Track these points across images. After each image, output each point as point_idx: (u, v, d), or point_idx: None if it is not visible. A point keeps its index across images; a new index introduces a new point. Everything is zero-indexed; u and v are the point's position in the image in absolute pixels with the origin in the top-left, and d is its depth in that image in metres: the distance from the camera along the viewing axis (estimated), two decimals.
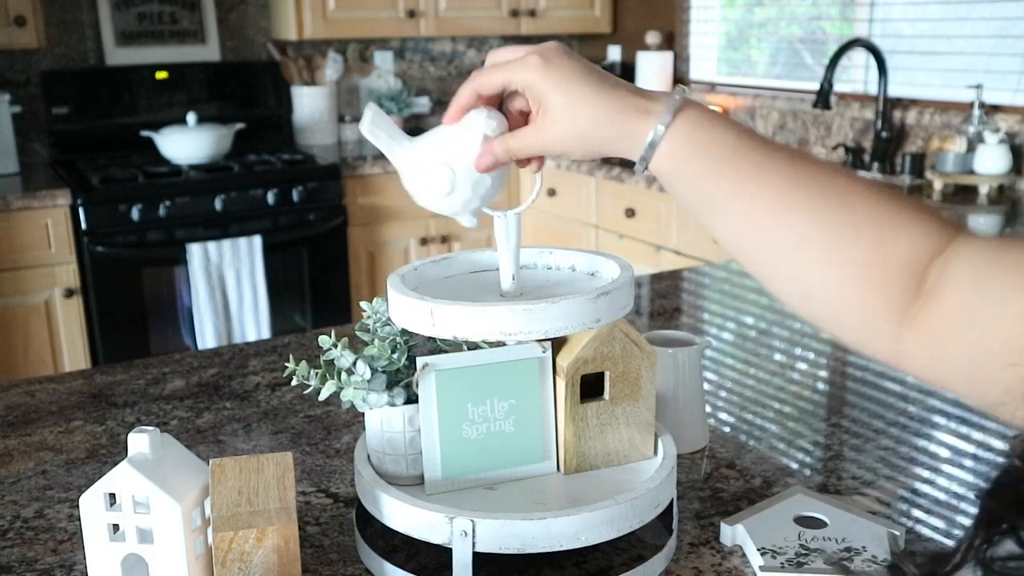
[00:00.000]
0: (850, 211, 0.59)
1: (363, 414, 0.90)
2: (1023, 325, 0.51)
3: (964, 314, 0.54)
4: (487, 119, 0.71)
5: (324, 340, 0.85)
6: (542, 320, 0.79)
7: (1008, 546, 0.46)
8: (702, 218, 0.65)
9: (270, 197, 3.15)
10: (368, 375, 0.84)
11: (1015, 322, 0.51)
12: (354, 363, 0.85)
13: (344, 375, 0.85)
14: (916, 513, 0.95)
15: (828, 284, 0.60)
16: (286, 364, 0.87)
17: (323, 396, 0.85)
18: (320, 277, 3.30)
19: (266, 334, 3.16)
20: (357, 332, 0.89)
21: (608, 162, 3.23)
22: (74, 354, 2.99)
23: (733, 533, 0.89)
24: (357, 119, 3.91)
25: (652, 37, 3.68)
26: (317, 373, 0.86)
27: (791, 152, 0.63)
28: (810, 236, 0.60)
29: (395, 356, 0.87)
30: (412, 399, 0.87)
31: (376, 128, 0.73)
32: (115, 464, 0.78)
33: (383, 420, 0.87)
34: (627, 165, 3.20)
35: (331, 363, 0.86)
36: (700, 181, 0.63)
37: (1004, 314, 0.52)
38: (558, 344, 0.87)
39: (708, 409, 1.20)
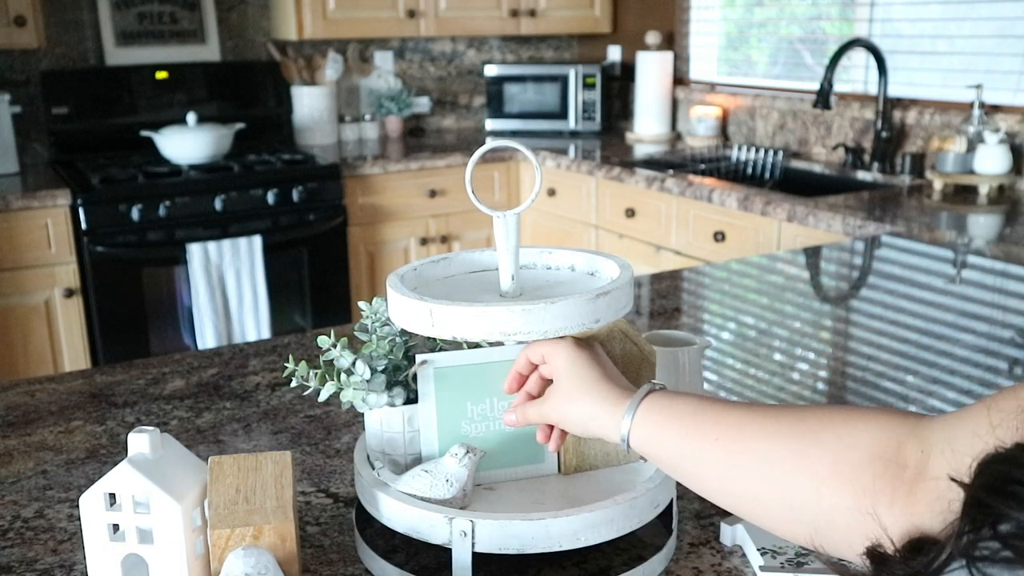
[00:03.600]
0: (804, 424, 0.65)
1: (363, 414, 0.90)
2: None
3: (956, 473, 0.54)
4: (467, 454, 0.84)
5: (323, 340, 0.85)
6: (541, 320, 0.79)
7: (992, 542, 0.46)
8: (685, 478, 0.73)
9: (270, 197, 3.15)
10: (367, 375, 0.84)
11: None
12: (353, 363, 0.85)
13: (343, 376, 0.85)
14: None
15: (806, 494, 0.63)
16: (286, 364, 0.87)
17: (323, 397, 0.85)
18: (320, 277, 3.30)
19: (266, 334, 3.16)
20: (356, 332, 0.90)
21: (608, 162, 3.23)
22: (74, 354, 2.99)
23: (733, 533, 0.89)
24: (357, 119, 3.91)
25: (652, 37, 3.68)
26: (317, 374, 0.86)
27: (744, 404, 0.72)
28: (776, 455, 0.65)
29: (393, 354, 0.87)
30: (412, 399, 0.87)
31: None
32: (115, 464, 0.78)
33: (383, 420, 0.88)
34: (626, 165, 3.20)
35: (331, 363, 0.86)
36: (671, 446, 0.72)
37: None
38: None
39: None
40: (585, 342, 0.82)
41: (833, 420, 0.64)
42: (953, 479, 0.51)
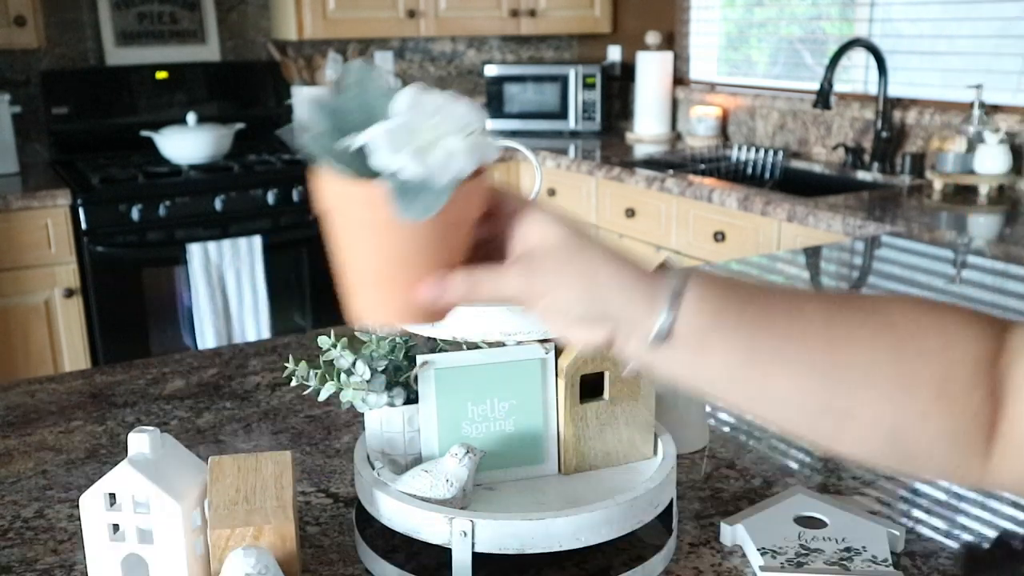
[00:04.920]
0: (898, 330, 0.54)
1: (363, 414, 0.90)
2: None
3: None
4: None
5: (323, 340, 0.85)
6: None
7: None
8: (740, 387, 0.56)
9: (270, 197, 3.15)
10: (367, 376, 0.84)
11: None
12: (353, 363, 0.85)
13: (343, 375, 0.85)
14: (916, 513, 0.95)
15: (911, 419, 0.53)
16: (286, 364, 0.87)
17: (323, 397, 0.85)
18: (320, 277, 3.30)
19: (266, 334, 3.16)
20: (357, 333, 0.89)
21: (608, 162, 3.23)
22: (74, 354, 2.98)
23: (733, 533, 0.89)
24: None
25: (652, 37, 3.67)
26: (317, 374, 0.86)
27: (809, 293, 0.59)
28: (879, 371, 0.53)
29: (394, 355, 0.87)
30: (412, 399, 0.87)
31: None
32: (115, 464, 0.78)
33: (383, 421, 0.88)
34: (626, 165, 3.20)
35: (331, 363, 0.86)
36: (731, 344, 0.54)
37: None
38: (558, 345, 0.87)
39: (708, 409, 1.20)
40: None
41: (929, 325, 0.53)
42: None
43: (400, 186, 0.50)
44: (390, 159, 0.50)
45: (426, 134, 0.51)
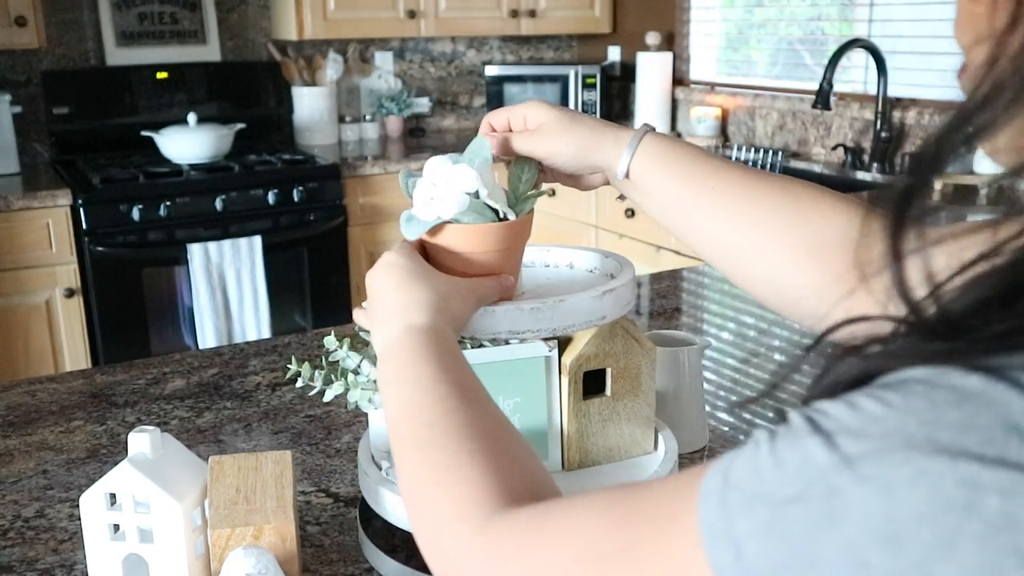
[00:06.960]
0: (796, 200, 0.71)
1: (364, 414, 0.90)
2: None
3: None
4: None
5: (330, 341, 0.85)
6: (549, 319, 0.79)
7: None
8: (671, 219, 0.77)
9: (270, 197, 3.15)
10: (374, 375, 0.84)
11: None
12: (360, 363, 0.85)
13: (350, 376, 0.85)
14: None
15: (786, 268, 0.69)
16: (288, 366, 0.87)
17: (328, 397, 0.85)
18: (320, 277, 3.30)
19: (266, 334, 3.16)
20: (359, 332, 0.89)
21: None
22: (74, 354, 2.98)
23: None
24: (357, 119, 3.91)
25: (652, 37, 3.67)
26: (321, 374, 0.86)
27: (733, 162, 0.78)
28: (770, 224, 0.71)
29: None
30: None
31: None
32: (115, 464, 0.78)
33: None
34: None
35: (335, 364, 0.86)
36: (668, 185, 0.76)
37: None
38: (560, 341, 0.87)
39: (708, 409, 1.20)
40: None
41: (818, 201, 0.70)
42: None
43: (408, 218, 0.78)
44: (421, 212, 0.78)
45: (434, 192, 0.77)
